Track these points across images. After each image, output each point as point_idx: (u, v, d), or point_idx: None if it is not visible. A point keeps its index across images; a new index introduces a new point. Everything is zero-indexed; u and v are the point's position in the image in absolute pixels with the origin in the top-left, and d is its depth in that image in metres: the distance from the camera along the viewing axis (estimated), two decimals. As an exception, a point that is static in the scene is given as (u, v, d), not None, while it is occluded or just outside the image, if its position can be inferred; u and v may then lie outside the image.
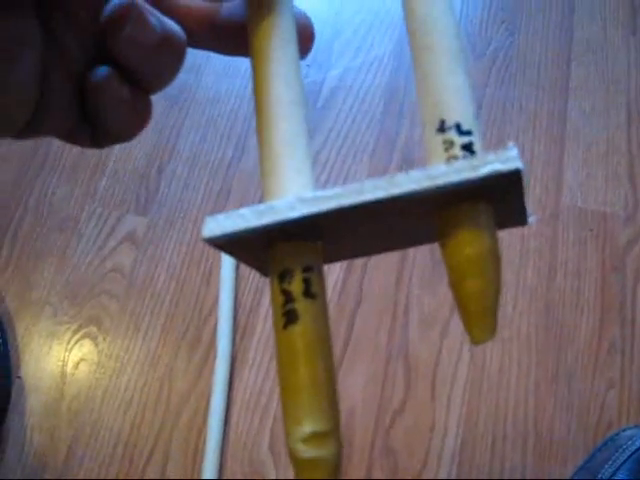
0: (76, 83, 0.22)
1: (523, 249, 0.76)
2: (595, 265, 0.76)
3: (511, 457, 0.68)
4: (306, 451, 0.18)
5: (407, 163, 0.80)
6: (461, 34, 0.18)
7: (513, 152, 0.17)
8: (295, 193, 0.20)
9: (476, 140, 0.19)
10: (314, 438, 0.18)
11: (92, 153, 0.81)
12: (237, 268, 0.75)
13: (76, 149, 0.82)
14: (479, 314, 0.18)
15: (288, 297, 0.19)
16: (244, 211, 0.19)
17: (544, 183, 0.79)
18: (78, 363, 0.72)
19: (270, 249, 0.20)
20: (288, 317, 0.19)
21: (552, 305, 0.74)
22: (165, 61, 0.22)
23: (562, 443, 0.68)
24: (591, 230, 0.77)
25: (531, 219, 0.21)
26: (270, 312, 0.73)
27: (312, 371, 0.19)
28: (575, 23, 0.89)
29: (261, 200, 0.20)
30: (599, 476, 0.64)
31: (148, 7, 0.21)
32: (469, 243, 0.18)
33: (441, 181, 0.18)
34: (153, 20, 0.21)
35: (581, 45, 0.88)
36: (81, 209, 0.79)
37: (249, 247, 0.20)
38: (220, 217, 0.19)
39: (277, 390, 0.70)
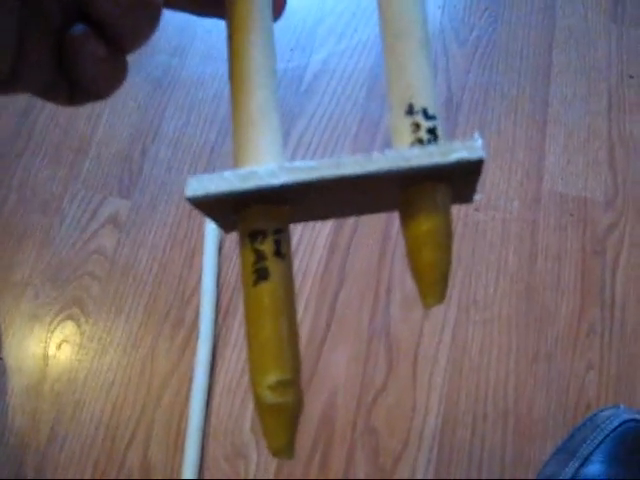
0: (53, 40, 0.23)
1: (504, 233, 0.77)
2: (576, 249, 0.76)
3: (491, 436, 0.69)
4: (271, 397, 0.20)
5: (390, 147, 0.80)
6: (428, 26, 0.19)
7: (478, 142, 0.20)
8: (269, 160, 0.21)
9: (439, 125, 0.21)
10: (279, 386, 0.20)
11: (75, 134, 0.81)
12: (220, 250, 0.75)
13: (59, 130, 0.82)
14: (432, 282, 0.21)
15: (260, 256, 0.20)
16: (227, 174, 0.20)
17: (525, 168, 0.80)
18: (60, 344, 0.72)
19: (242, 210, 0.21)
20: (259, 274, 0.20)
21: (533, 288, 0.74)
22: (141, 19, 0.23)
23: (541, 423, 0.69)
24: (572, 215, 0.78)
25: (477, 197, 0.23)
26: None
27: (279, 325, 0.20)
28: (557, 10, 0.90)
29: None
30: (577, 455, 0.65)
31: None
32: (428, 218, 0.21)
33: (414, 163, 0.20)
34: None
35: (563, 32, 0.88)
36: (64, 191, 0.79)
37: (222, 206, 0.21)
38: (204, 178, 0.20)
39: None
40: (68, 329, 0.73)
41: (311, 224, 0.76)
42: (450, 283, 0.67)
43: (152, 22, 0.23)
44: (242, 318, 0.72)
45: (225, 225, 0.23)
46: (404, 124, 0.21)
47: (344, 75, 0.85)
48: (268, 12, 0.24)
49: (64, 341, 0.72)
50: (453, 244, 0.21)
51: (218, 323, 0.72)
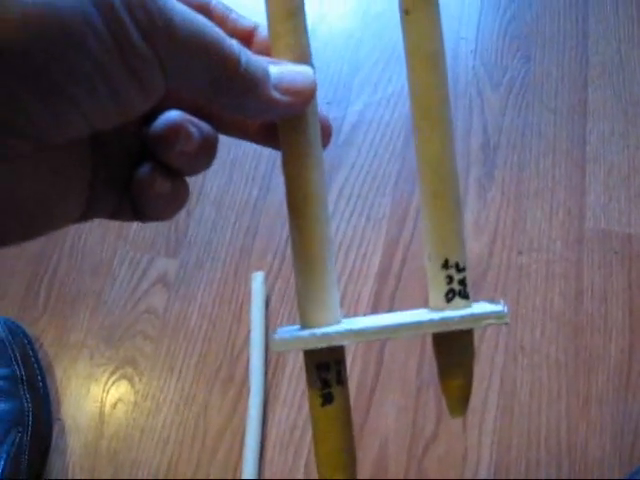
0: (120, 180, 0.25)
1: (549, 274, 0.77)
2: (622, 287, 0.76)
3: (546, 483, 0.68)
4: None
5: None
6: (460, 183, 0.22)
7: (504, 309, 0.25)
8: (330, 315, 0.26)
9: (467, 275, 0.26)
10: None
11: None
12: (267, 306, 0.76)
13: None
14: (460, 401, 0.27)
15: (326, 384, 0.26)
16: (305, 334, 0.25)
17: (567, 208, 0.80)
18: (115, 403, 0.74)
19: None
20: (325, 398, 0.26)
21: (580, 329, 0.74)
22: (202, 159, 0.25)
23: (596, 466, 0.68)
24: (616, 252, 0.77)
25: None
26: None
27: (342, 438, 0.26)
28: (590, 47, 0.90)
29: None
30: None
31: (189, 119, 0.24)
32: (457, 355, 0.26)
33: (454, 327, 0.25)
34: (194, 131, 0.24)
35: (597, 68, 0.88)
36: (114, 253, 0.81)
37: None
38: (287, 337, 0.25)
39: (309, 425, 0.71)
40: (123, 388, 0.75)
41: (355, 276, 0.77)
42: (497, 328, 0.67)
43: (211, 157, 0.26)
44: (291, 373, 0.74)
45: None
46: (441, 275, 0.26)
47: (381, 125, 0.86)
48: (319, 142, 0.26)
49: (119, 400, 0.74)
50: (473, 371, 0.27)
51: (268, 378, 0.73)
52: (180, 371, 0.75)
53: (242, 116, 0.26)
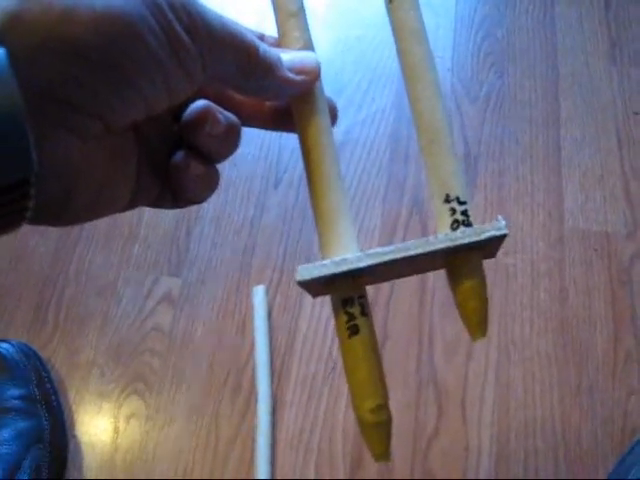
0: (160, 168, 0.29)
1: (534, 273, 0.81)
2: (603, 282, 0.80)
3: (544, 469, 0.72)
4: (371, 418, 0.27)
5: (417, 204, 0.85)
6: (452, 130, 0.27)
7: (502, 223, 0.27)
8: (349, 247, 0.29)
9: (469, 207, 0.29)
10: (375, 409, 0.27)
11: (124, 222, 0.87)
12: (269, 316, 0.80)
13: (108, 220, 0.88)
14: (478, 323, 0.29)
15: (350, 317, 0.28)
16: (326, 262, 0.27)
17: (547, 210, 0.85)
18: (129, 418, 0.77)
19: (333, 283, 0.28)
20: (351, 330, 0.28)
21: (567, 323, 0.78)
22: (229, 143, 0.30)
23: (591, 451, 0.72)
24: (596, 250, 0.82)
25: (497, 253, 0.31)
26: (302, 356, 0.78)
27: (371, 365, 0.28)
28: (559, 59, 0.96)
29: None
30: (629, 477, 0.67)
31: (215, 107, 0.28)
32: (469, 278, 0.28)
33: (459, 242, 0.27)
34: (221, 117, 0.28)
35: (567, 79, 0.94)
36: (118, 274, 0.84)
37: (319, 283, 0.28)
38: (309, 266, 0.27)
39: (318, 426, 0.74)
40: (135, 403, 0.78)
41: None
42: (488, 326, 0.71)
43: (236, 142, 0.30)
44: (296, 378, 0.77)
45: (315, 294, 0.30)
46: (444, 209, 0.29)
47: (367, 143, 0.90)
48: (331, 131, 0.30)
49: (132, 415, 0.77)
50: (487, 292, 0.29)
51: (274, 385, 0.77)
52: (189, 383, 0.78)
53: (265, 98, 0.30)
